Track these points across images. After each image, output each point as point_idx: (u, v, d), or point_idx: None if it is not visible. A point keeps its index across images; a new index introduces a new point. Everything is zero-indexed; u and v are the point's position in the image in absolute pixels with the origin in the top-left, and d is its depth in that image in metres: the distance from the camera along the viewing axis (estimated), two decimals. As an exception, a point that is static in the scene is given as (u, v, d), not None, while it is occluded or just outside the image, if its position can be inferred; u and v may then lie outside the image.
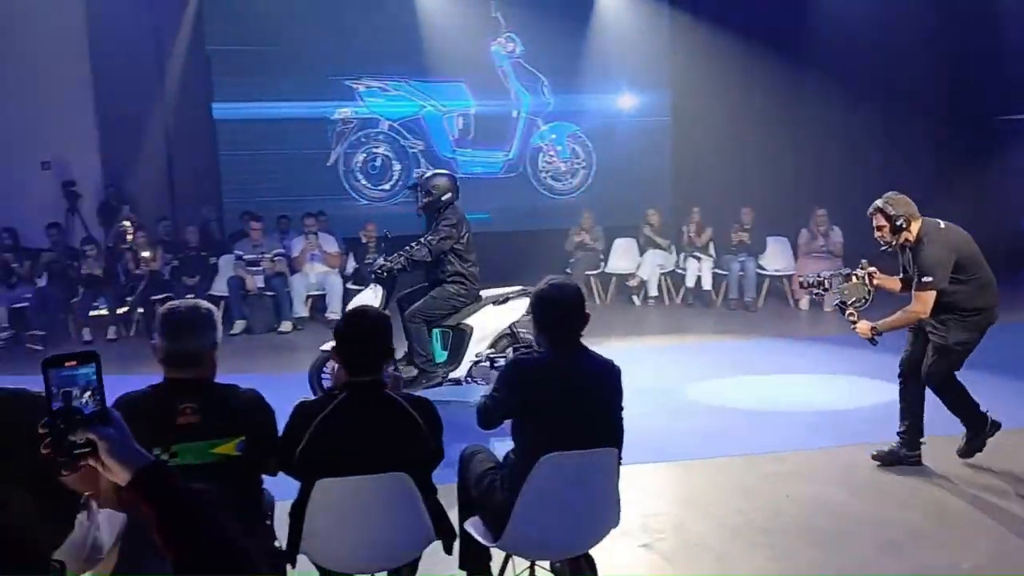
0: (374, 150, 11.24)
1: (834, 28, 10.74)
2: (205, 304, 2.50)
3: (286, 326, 8.46)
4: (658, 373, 6.40)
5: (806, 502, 4.06)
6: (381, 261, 5.67)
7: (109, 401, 1.30)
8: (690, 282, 9.37)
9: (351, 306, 5.44)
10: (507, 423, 2.82)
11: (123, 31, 10.17)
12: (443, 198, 5.51)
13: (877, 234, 4.17)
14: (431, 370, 5.41)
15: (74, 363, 1.25)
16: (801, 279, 4.60)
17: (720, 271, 9.34)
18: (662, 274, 9.60)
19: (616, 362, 2.78)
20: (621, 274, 9.76)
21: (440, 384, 5.46)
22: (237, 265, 8.67)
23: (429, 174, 5.79)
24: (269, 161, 10.80)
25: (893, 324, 4.15)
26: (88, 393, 1.25)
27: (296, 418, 2.50)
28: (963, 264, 4.09)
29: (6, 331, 8.09)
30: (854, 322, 4.15)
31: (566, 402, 2.65)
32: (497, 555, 2.83)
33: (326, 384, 5.49)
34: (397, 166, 11.29)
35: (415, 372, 5.41)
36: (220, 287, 8.70)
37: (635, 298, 9.54)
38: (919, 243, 4.09)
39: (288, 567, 2.56)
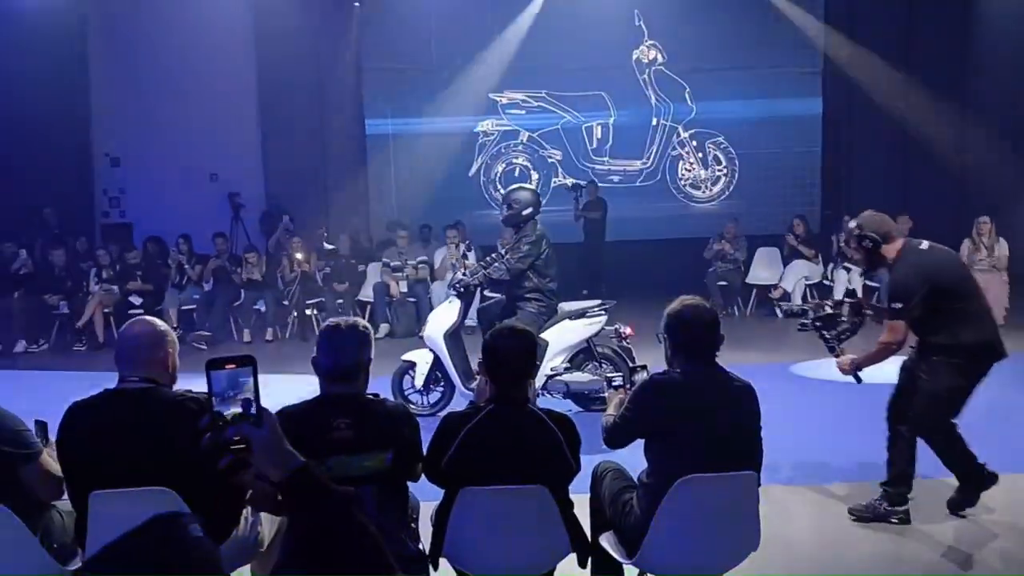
0: (513, 160, 11.50)
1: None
2: (362, 322, 2.68)
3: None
4: (786, 397, 6.15)
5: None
6: (460, 276, 5.79)
7: (273, 410, 1.43)
8: (838, 294, 8.94)
9: (431, 319, 5.92)
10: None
11: (286, 50, 10.94)
12: (523, 212, 5.51)
13: (855, 256, 3.89)
14: None
15: (233, 366, 1.38)
16: (784, 306, 4.23)
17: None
18: (808, 285, 9.23)
19: (751, 380, 2.76)
20: (763, 285, 9.47)
21: None
22: (383, 271, 9.11)
23: (513, 187, 5.82)
24: (414, 173, 11.31)
25: (870, 359, 3.83)
26: (245, 394, 1.37)
27: (444, 428, 2.63)
28: (945, 291, 3.67)
29: (175, 331, 8.87)
30: (836, 355, 3.88)
31: (702, 424, 2.64)
32: (630, 571, 2.86)
33: (408, 394, 5.82)
34: (535, 175, 11.50)
35: None
36: (367, 292, 9.17)
37: (778, 310, 9.22)
38: (893, 265, 3.78)
39: (431, 569, 2.70)
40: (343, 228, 10.53)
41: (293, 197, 11.40)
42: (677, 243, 10.65)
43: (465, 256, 8.79)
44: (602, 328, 5.59)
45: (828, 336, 3.90)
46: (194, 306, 9.02)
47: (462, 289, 5.64)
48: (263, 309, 8.99)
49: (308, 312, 8.98)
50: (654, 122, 11.44)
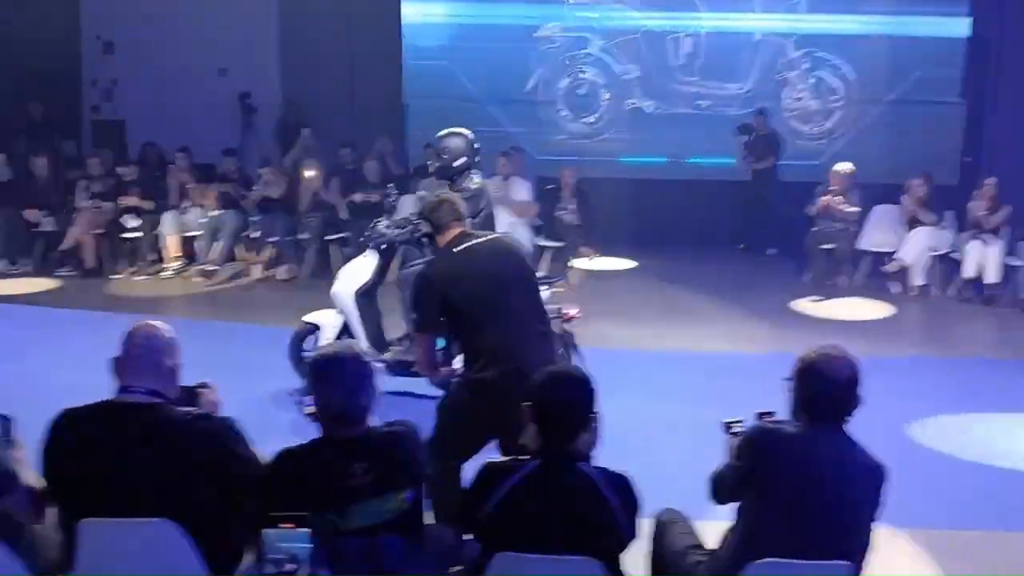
0: (580, 75, 11.26)
1: None
2: (361, 349, 2.72)
3: (467, 283, 8.81)
4: (883, 399, 6.05)
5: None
6: (382, 228, 5.70)
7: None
8: (969, 271, 8.69)
9: (341, 275, 5.79)
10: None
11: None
12: (455, 163, 5.41)
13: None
14: None
15: None
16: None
17: (1015, 261, 8.61)
18: (933, 256, 8.98)
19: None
20: (878, 252, 9.23)
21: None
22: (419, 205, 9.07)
23: (442, 133, 5.62)
24: (458, 82, 11.13)
25: None
26: None
27: (484, 479, 2.66)
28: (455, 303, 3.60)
29: (178, 260, 9.04)
30: None
31: (812, 497, 2.63)
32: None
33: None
34: (606, 95, 11.26)
35: (403, 349, 5.57)
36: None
37: (892, 285, 9.02)
38: None
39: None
40: (372, 147, 10.48)
41: (314, 103, 11.35)
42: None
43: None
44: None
45: None
46: (199, 233, 9.12)
47: (384, 245, 5.62)
48: (277, 238, 9.07)
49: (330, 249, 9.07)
50: (757, 37, 11.05)
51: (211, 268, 8.81)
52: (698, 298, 8.56)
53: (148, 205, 9.26)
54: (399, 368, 5.45)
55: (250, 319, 7.70)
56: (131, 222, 9.16)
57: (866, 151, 10.50)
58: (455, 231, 3.73)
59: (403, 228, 5.56)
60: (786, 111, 11.09)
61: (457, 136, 5.54)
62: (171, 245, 9.07)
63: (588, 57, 11.23)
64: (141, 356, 2.67)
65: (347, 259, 8.99)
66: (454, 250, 3.67)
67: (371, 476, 2.57)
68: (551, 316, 5.10)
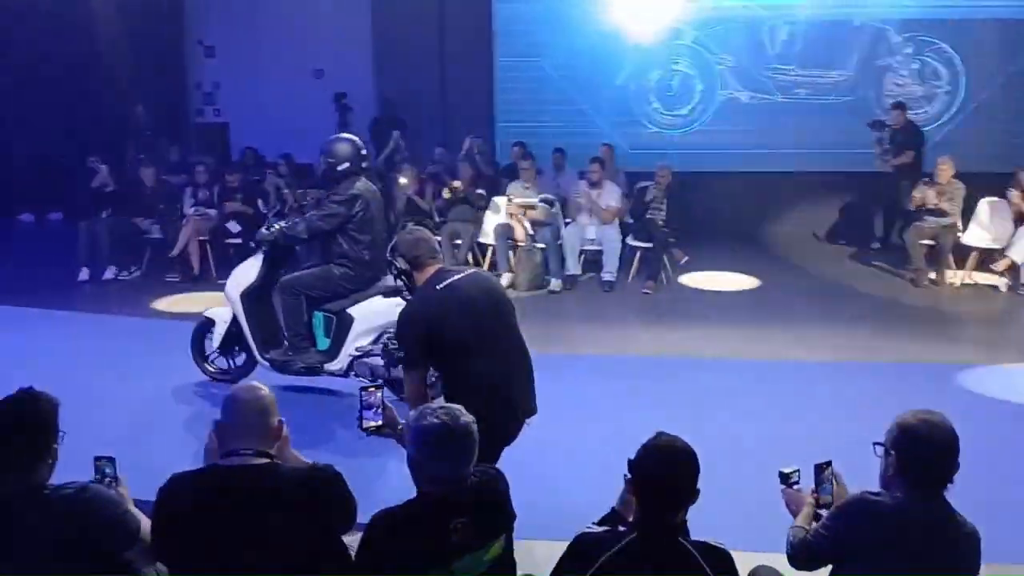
0: (673, 67, 11.12)
1: None
2: (467, 415, 2.72)
3: (555, 284, 8.88)
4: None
5: None
6: (263, 231, 5.88)
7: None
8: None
9: (233, 275, 5.98)
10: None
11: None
12: (339, 167, 5.63)
13: None
14: (303, 350, 5.69)
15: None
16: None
17: None
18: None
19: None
20: (987, 248, 8.88)
21: (318, 373, 5.75)
22: (510, 207, 9.12)
23: (331, 138, 5.85)
24: (549, 78, 11.14)
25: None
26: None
27: (578, 551, 2.65)
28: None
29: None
30: None
31: (908, 566, 2.61)
32: None
33: (210, 356, 6.06)
34: (699, 86, 11.11)
35: (288, 353, 5.71)
36: (488, 232, 9.27)
37: (1000, 285, 8.66)
38: None
39: None
40: (463, 146, 10.59)
41: (408, 102, 11.55)
42: (870, 179, 10.12)
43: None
44: None
45: None
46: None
47: (265, 246, 5.82)
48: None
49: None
50: (857, 22, 10.69)
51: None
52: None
53: (248, 211, 9.59)
54: (284, 367, 5.73)
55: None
56: (234, 228, 9.49)
57: (974, 139, 10.12)
58: (433, 268, 3.78)
59: (273, 229, 5.80)
60: (888, 97, 10.73)
61: (344, 141, 5.79)
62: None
63: (681, 47, 11.07)
64: (247, 419, 2.76)
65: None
66: (437, 287, 3.70)
67: (472, 529, 2.61)
68: None
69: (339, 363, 5.72)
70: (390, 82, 11.74)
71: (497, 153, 11.06)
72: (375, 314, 5.63)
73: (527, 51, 11.30)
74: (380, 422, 3.29)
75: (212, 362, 6.16)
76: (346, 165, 5.67)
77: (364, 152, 5.81)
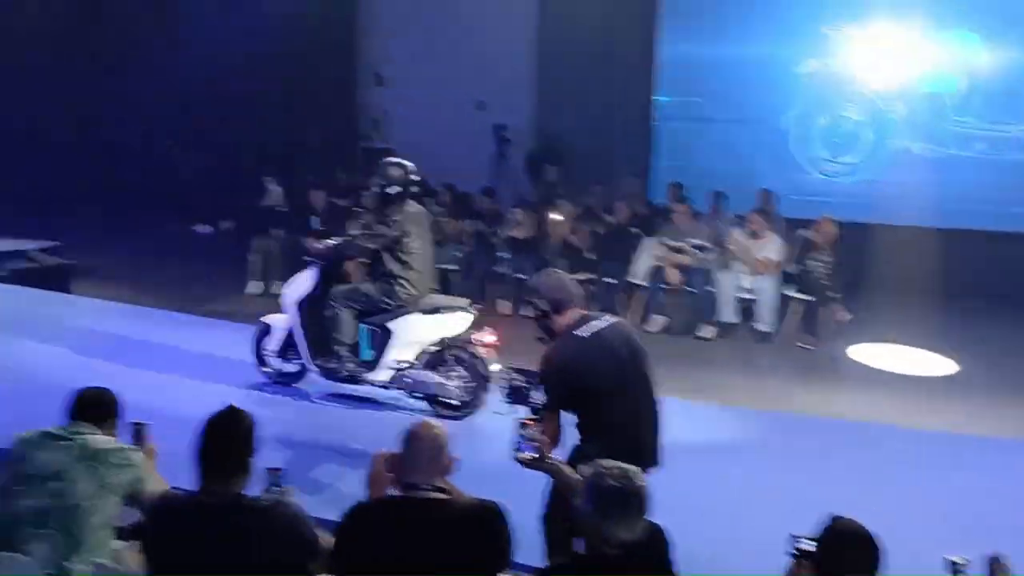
0: (842, 113, 10.83)
1: None
2: (641, 478, 2.73)
3: (708, 331, 8.75)
4: None
5: None
6: (316, 246, 6.32)
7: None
8: None
9: (289, 283, 6.41)
10: None
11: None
12: (388, 190, 5.99)
13: None
14: (348, 360, 6.07)
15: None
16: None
17: None
18: None
19: None
20: None
21: (361, 383, 6.12)
22: (660, 250, 9.07)
23: (385, 161, 6.21)
24: (711, 119, 11.07)
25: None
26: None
27: None
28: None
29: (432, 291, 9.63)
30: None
31: None
32: None
33: (267, 358, 6.46)
34: (869, 136, 10.76)
35: (335, 361, 6.09)
36: (640, 273, 9.23)
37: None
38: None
39: None
40: (620, 185, 10.64)
41: (567, 137, 11.69)
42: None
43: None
44: (462, 331, 5.97)
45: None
46: (454, 267, 9.67)
47: (318, 261, 6.27)
48: (523, 277, 9.42)
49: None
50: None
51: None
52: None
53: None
54: (330, 374, 6.16)
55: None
56: (391, 252, 9.83)
57: None
58: (575, 313, 3.82)
59: (331, 246, 6.21)
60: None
61: (395, 166, 6.11)
62: (428, 277, 9.66)
63: (851, 93, 10.78)
64: (426, 455, 2.91)
65: (592, 300, 9.31)
66: (580, 334, 3.75)
67: None
68: (466, 343, 5.97)
69: (380, 374, 6.09)
70: (550, 117, 11.93)
71: (653, 193, 11.03)
72: (414, 330, 5.98)
73: (689, 91, 11.27)
74: (535, 455, 3.36)
75: (270, 365, 6.55)
76: (396, 189, 6.04)
77: (414, 177, 6.12)
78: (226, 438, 2.89)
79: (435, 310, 6.03)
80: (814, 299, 8.61)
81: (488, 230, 9.83)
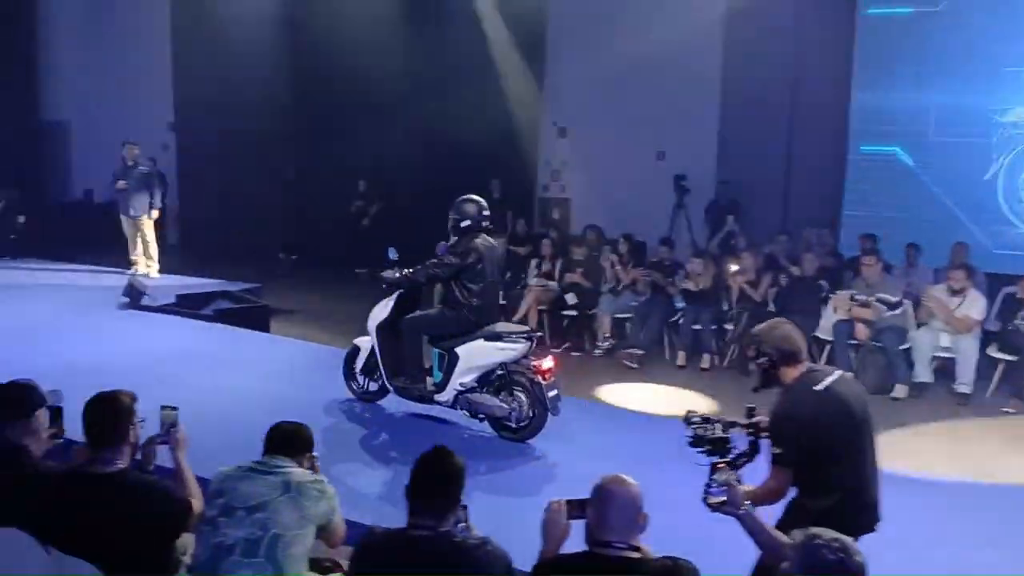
0: (1054, 163, 10.10)
1: None
2: (860, 553, 2.54)
3: (900, 391, 8.27)
4: None
5: None
6: (390, 274, 6.66)
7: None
8: None
9: (373, 313, 6.81)
10: None
11: (760, 23, 10.86)
12: (461, 224, 6.46)
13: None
14: (420, 380, 6.55)
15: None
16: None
17: None
18: None
19: None
20: None
21: (431, 402, 6.55)
22: (846, 304, 8.65)
23: (462, 197, 6.60)
24: (907, 169, 10.58)
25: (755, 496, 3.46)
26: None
27: None
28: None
29: (607, 340, 9.61)
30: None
31: None
32: None
33: (354, 377, 7.02)
34: (1083, 188, 9.96)
35: (408, 382, 6.58)
36: (826, 328, 8.85)
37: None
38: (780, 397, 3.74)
39: None
40: (806, 236, 10.30)
41: (748, 187, 11.49)
42: None
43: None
44: (521, 356, 6.30)
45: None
46: (629, 315, 9.63)
47: (391, 288, 6.70)
48: (700, 328, 9.26)
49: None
50: None
51: (637, 351, 9.21)
52: None
53: (587, 284, 9.98)
54: (404, 394, 6.68)
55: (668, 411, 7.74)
56: (571, 300, 9.91)
57: None
58: (802, 366, 3.74)
59: (400, 274, 6.62)
60: None
61: (471, 203, 6.55)
62: (604, 325, 9.65)
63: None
64: (624, 513, 2.86)
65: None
66: (815, 388, 3.66)
67: None
68: (526, 368, 6.29)
69: (447, 395, 6.49)
70: (731, 166, 11.76)
71: (842, 244, 10.60)
72: (477, 354, 6.37)
73: (883, 140, 10.81)
74: (724, 499, 3.28)
75: (356, 382, 7.10)
76: (468, 223, 6.49)
77: (486, 213, 6.57)
78: (440, 477, 2.98)
79: (497, 336, 6.39)
80: (1020, 359, 8.00)
81: (665, 280, 9.72)
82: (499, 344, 6.37)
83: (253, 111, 13.64)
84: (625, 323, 9.73)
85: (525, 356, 6.33)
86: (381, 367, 6.75)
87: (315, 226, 14.22)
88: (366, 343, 6.94)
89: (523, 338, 6.40)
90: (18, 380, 3.75)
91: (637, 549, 2.82)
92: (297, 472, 3.45)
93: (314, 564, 3.56)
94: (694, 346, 9.28)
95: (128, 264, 11.75)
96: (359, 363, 7.04)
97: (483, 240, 6.53)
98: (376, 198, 13.74)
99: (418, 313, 6.74)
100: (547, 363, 6.27)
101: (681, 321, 9.41)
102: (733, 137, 11.71)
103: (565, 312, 10.02)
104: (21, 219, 14.21)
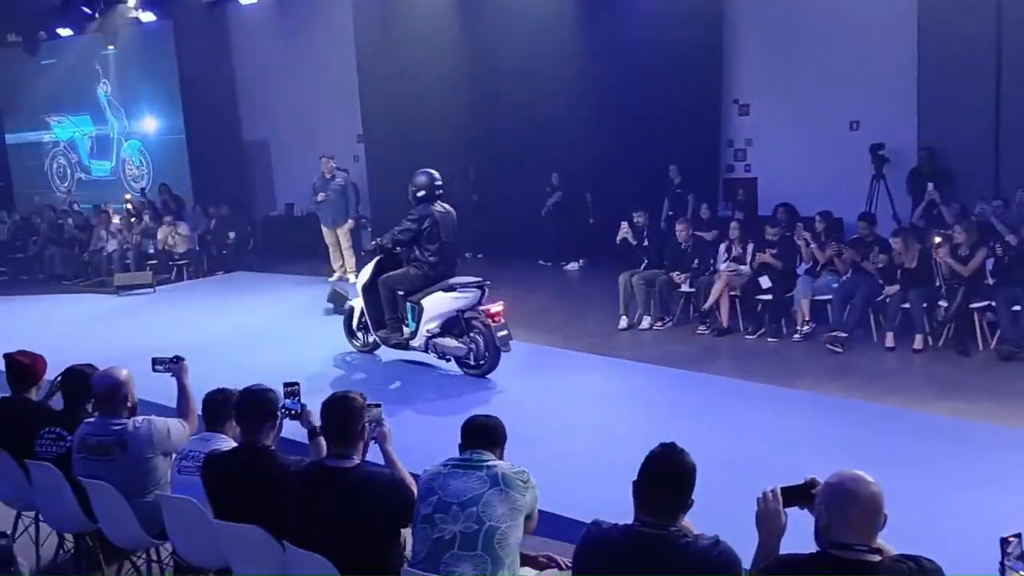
0: None
1: None
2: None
3: None
4: None
5: None
6: (373, 242, 8.66)
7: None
8: None
9: (360, 277, 8.55)
10: None
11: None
12: (417, 194, 8.03)
13: None
14: (397, 330, 8.19)
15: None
16: None
17: None
18: None
19: None
20: None
21: (408, 348, 8.18)
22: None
23: (418, 171, 8.16)
24: None
25: None
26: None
27: None
28: None
29: (807, 324, 9.18)
30: None
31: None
32: None
33: (353, 334, 8.86)
34: None
35: (387, 332, 8.21)
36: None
37: None
38: None
39: None
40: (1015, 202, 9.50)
41: (954, 152, 10.72)
42: None
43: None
44: (475, 303, 7.76)
45: None
46: (829, 297, 9.19)
47: (373, 252, 8.45)
48: (908, 307, 8.70)
49: (975, 318, 8.43)
50: None
51: (840, 335, 8.76)
52: None
53: (778, 264, 9.57)
54: (386, 342, 8.33)
55: (882, 399, 7.25)
56: (765, 283, 9.54)
57: None
58: None
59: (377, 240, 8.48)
60: None
61: (423, 174, 8.09)
62: (803, 308, 9.24)
63: None
64: (866, 514, 2.69)
65: (990, 328, 8.37)
66: None
67: None
68: (478, 313, 7.72)
69: (419, 340, 8.00)
70: (933, 132, 10.95)
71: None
72: (437, 304, 7.83)
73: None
74: None
75: (359, 338, 8.79)
76: (423, 192, 8.03)
77: (439, 183, 8.07)
78: (670, 476, 2.94)
79: (452, 288, 7.84)
80: None
81: (867, 258, 9.18)
82: (455, 294, 7.81)
83: (435, 116, 14.04)
84: (826, 305, 9.29)
85: (479, 303, 7.71)
86: (368, 321, 8.32)
87: (501, 223, 14.49)
88: (359, 304, 8.47)
89: (475, 287, 7.83)
90: (262, 387, 4.05)
91: (878, 551, 2.66)
92: (502, 464, 3.52)
93: (530, 560, 3.63)
94: (904, 327, 8.74)
95: (330, 272, 12.43)
96: (355, 322, 8.71)
97: (437, 206, 8.02)
98: (563, 189, 13.81)
99: (390, 273, 8.13)
100: (496, 307, 7.62)
101: (888, 301, 8.88)
102: (934, 102, 10.91)
103: (759, 297, 9.67)
104: (231, 235, 15.37)
